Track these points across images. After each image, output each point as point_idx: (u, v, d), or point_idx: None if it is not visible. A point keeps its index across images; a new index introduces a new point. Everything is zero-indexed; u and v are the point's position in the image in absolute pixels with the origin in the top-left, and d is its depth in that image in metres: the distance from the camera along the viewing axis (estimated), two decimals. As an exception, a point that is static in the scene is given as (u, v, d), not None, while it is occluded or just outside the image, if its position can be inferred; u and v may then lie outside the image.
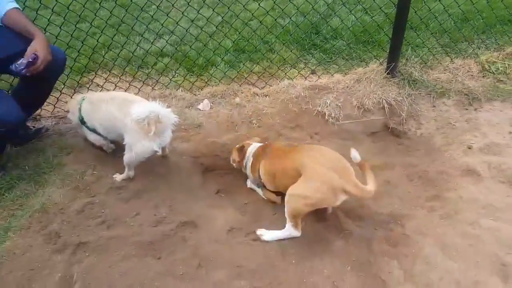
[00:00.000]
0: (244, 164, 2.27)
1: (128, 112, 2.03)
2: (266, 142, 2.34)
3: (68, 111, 2.43)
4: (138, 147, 2.07)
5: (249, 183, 2.35)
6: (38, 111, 2.75)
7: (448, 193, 2.23)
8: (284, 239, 1.97)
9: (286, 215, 1.92)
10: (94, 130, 2.29)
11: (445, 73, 3.16)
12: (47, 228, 2.00)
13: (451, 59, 3.28)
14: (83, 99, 2.30)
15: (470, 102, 2.89)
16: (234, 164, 2.35)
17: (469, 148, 2.53)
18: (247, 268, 1.84)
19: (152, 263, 1.85)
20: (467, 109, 2.85)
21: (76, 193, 2.19)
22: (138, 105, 2.02)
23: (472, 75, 3.13)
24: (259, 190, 2.28)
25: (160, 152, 2.22)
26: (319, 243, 1.95)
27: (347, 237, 1.98)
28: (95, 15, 3.00)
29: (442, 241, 1.95)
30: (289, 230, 1.95)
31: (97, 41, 3.05)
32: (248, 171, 2.26)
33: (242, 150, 2.27)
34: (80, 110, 2.29)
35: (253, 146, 2.27)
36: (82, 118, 2.29)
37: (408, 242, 1.95)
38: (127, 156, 2.14)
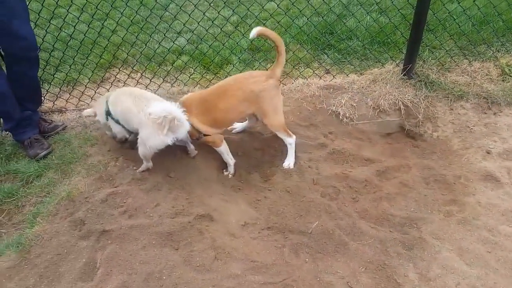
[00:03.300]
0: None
1: (143, 108, 2.11)
2: None
3: (95, 115, 2.46)
4: (151, 140, 2.14)
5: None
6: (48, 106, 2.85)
7: (466, 197, 2.20)
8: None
9: (279, 134, 2.38)
10: (118, 122, 2.35)
11: (463, 76, 3.13)
12: (73, 215, 2.08)
13: (470, 62, 3.24)
14: (110, 94, 2.39)
15: (489, 106, 2.85)
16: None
17: (488, 152, 2.50)
18: (262, 263, 1.86)
19: (171, 253, 1.90)
20: (486, 113, 2.81)
21: (100, 183, 2.27)
22: (155, 104, 2.07)
23: (491, 78, 3.09)
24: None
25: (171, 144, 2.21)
26: (333, 243, 1.96)
27: (361, 238, 1.98)
28: (121, 14, 3.09)
29: (460, 246, 1.93)
30: (291, 144, 2.42)
31: (122, 38, 3.15)
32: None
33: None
34: (107, 102, 2.36)
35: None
36: (108, 109, 2.35)
37: (425, 245, 1.93)
38: (141, 150, 2.21)
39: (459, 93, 2.94)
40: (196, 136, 2.30)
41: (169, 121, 2.02)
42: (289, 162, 2.46)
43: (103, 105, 2.38)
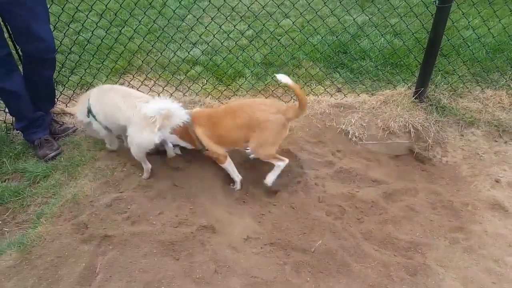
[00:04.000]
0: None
1: (131, 105, 2.09)
2: None
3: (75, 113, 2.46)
4: (139, 139, 2.11)
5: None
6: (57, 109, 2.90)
7: (473, 225, 2.17)
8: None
9: (266, 160, 2.30)
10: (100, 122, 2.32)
11: (474, 102, 3.12)
12: (77, 218, 2.09)
13: (482, 89, 3.24)
14: (92, 91, 2.34)
15: (500, 134, 2.84)
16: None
17: (497, 181, 2.47)
18: (262, 280, 1.84)
19: (171, 263, 1.89)
20: (496, 141, 2.80)
21: (106, 188, 2.28)
22: (150, 103, 2.03)
23: (503, 106, 3.08)
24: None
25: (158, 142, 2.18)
26: (335, 263, 1.93)
27: (365, 261, 1.95)
28: (139, 22, 3.16)
29: (464, 275, 1.89)
30: (279, 166, 2.31)
31: (138, 46, 3.21)
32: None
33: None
34: (89, 100, 2.32)
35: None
36: (90, 107, 2.30)
37: (428, 272, 1.90)
38: (132, 150, 2.21)
39: (470, 119, 2.93)
40: (198, 147, 2.31)
41: (161, 118, 1.98)
42: (270, 178, 2.33)
43: (85, 103, 2.34)
